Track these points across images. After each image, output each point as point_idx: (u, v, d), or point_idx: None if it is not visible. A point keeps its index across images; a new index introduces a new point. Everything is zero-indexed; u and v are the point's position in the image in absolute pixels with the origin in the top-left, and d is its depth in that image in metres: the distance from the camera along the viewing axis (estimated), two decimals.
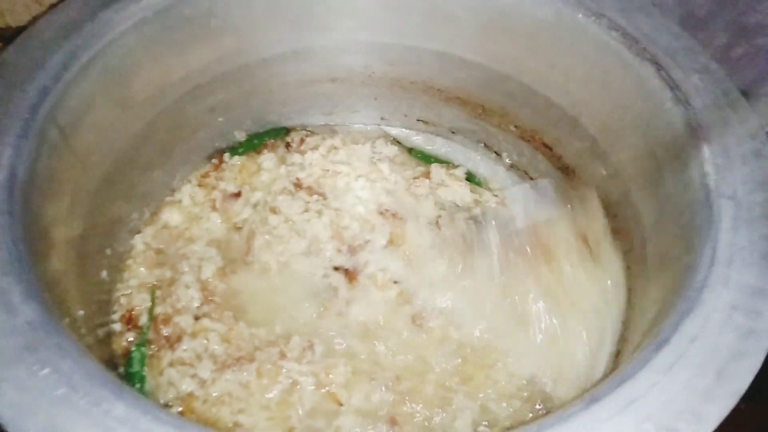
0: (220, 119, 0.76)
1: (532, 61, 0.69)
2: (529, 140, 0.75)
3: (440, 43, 0.73)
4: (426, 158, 0.81)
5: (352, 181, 0.76)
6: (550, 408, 0.59)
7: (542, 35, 0.66)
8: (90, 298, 0.58)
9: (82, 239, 0.58)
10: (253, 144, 0.80)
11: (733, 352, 0.39)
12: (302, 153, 0.78)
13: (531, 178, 0.78)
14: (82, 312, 0.52)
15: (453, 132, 0.82)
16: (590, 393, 0.37)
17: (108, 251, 0.65)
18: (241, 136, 0.80)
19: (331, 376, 0.60)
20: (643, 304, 0.56)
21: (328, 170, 0.76)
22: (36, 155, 0.50)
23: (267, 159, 0.78)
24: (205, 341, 0.61)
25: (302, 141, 0.80)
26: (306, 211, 0.72)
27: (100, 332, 0.59)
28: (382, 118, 0.84)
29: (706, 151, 0.51)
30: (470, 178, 0.79)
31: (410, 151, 0.82)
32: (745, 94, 0.55)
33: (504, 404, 0.60)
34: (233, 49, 0.71)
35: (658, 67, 0.57)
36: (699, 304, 0.41)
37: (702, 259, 0.44)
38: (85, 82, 0.57)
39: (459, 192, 0.75)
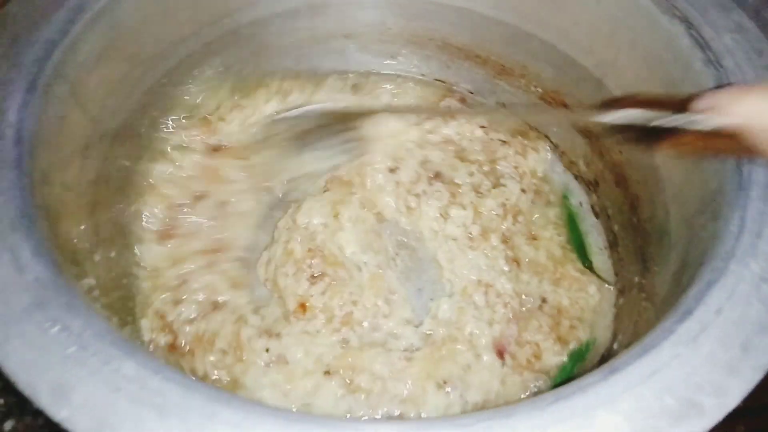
0: (232, 77, 0.75)
1: (555, 18, 0.66)
2: (550, 102, 0.73)
3: None
4: None
5: None
6: None
7: None
8: (104, 257, 0.58)
9: (93, 197, 0.57)
10: None
11: (760, 325, 0.38)
12: None
13: (551, 141, 0.76)
14: (94, 275, 0.51)
15: (471, 92, 0.80)
16: (610, 363, 0.36)
17: (120, 210, 0.64)
18: None
19: None
20: (663, 273, 0.55)
21: None
22: (44, 110, 0.49)
23: None
24: None
25: None
26: None
27: (116, 293, 0.59)
28: (398, 77, 0.82)
29: None
30: None
31: None
32: None
33: None
34: (245, 3, 0.69)
35: (688, 25, 0.54)
36: (725, 275, 0.40)
37: (729, 228, 0.43)
38: (93, 36, 0.55)
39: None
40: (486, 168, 0.72)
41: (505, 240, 0.67)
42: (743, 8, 0.56)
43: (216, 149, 0.72)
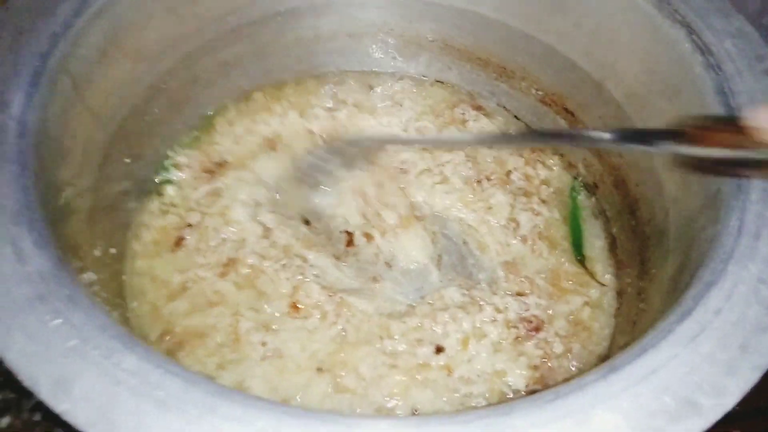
0: (233, 74, 0.75)
1: (556, 20, 0.66)
2: (550, 105, 0.73)
3: None
4: None
5: None
6: None
7: None
8: (105, 253, 0.58)
9: (94, 193, 0.57)
10: None
11: (758, 325, 0.38)
12: None
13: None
14: (95, 270, 0.51)
15: (471, 94, 0.80)
16: (608, 363, 0.37)
17: (120, 207, 0.64)
18: None
19: None
20: (661, 275, 0.55)
21: None
22: (47, 104, 0.49)
23: None
24: None
25: None
26: None
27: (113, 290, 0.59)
28: (399, 78, 0.82)
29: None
30: None
31: None
32: None
33: None
34: (248, 1, 0.69)
35: (689, 29, 0.54)
36: (724, 276, 0.40)
37: (728, 231, 0.43)
38: (97, 31, 0.55)
39: None
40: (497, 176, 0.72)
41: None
42: (744, 14, 0.56)
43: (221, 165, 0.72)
